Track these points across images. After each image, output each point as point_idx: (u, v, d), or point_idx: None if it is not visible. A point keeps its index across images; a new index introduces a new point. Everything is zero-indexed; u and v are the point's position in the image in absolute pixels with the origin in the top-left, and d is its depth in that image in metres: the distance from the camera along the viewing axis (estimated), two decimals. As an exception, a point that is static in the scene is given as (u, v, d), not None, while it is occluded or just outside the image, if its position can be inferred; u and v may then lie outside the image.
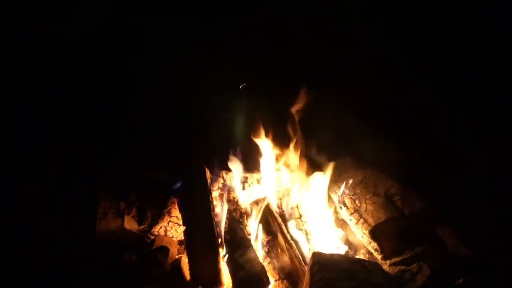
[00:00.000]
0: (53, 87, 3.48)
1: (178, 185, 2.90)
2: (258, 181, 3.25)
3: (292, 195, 3.15)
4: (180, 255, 2.87)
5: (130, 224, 2.97)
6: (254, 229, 2.85)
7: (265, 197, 2.99)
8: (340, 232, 3.09)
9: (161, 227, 2.97)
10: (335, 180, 3.22)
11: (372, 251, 2.86)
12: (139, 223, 3.01)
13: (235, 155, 3.22)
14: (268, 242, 2.76)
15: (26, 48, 3.42)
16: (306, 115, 3.24)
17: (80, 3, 3.44)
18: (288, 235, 2.77)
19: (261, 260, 2.61)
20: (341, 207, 3.10)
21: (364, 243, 2.94)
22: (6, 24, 3.28)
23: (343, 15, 3.61)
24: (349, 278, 2.24)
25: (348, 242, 3.07)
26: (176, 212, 2.99)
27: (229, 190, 3.13)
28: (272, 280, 2.55)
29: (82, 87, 3.57)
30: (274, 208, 2.95)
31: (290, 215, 3.08)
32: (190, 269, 2.60)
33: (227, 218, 2.82)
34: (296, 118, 3.19)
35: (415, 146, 3.14)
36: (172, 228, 2.98)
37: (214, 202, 2.90)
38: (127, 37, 3.65)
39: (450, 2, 3.38)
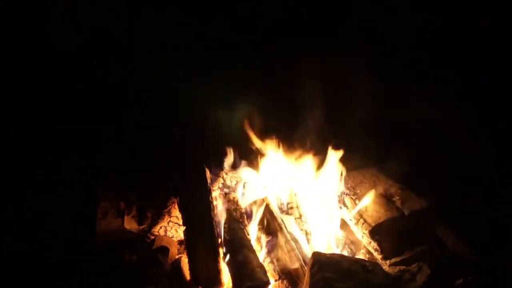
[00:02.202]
0: (53, 86, 3.48)
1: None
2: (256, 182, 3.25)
3: (292, 194, 3.15)
4: (180, 255, 2.87)
5: (130, 224, 2.97)
6: (254, 229, 2.85)
7: (265, 197, 2.99)
8: (340, 232, 3.09)
9: (161, 227, 2.97)
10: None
11: (372, 251, 2.86)
12: (139, 223, 3.01)
13: (236, 155, 3.23)
14: (268, 242, 2.76)
15: (26, 49, 3.42)
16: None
17: (73, 7, 3.44)
18: (288, 235, 2.77)
19: (261, 260, 2.60)
20: (341, 207, 3.10)
21: (364, 243, 2.94)
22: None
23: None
24: (349, 278, 2.24)
25: (348, 242, 3.07)
26: (176, 212, 3.00)
27: (229, 190, 3.13)
28: (272, 280, 2.55)
29: (81, 87, 3.57)
30: (274, 208, 2.95)
31: (290, 215, 3.08)
32: (190, 269, 2.60)
33: (227, 218, 2.81)
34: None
35: (415, 146, 3.13)
36: (172, 228, 2.99)
37: (214, 202, 2.90)
38: (126, 38, 3.65)
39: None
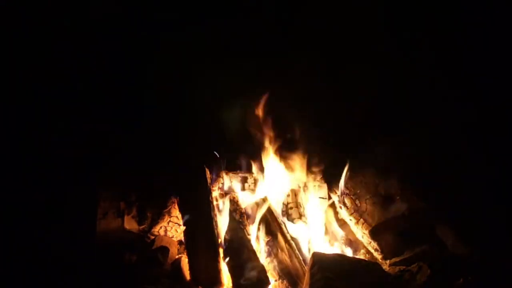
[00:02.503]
0: (54, 85, 3.48)
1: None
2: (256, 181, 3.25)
3: (293, 195, 3.16)
4: (180, 255, 2.87)
5: (130, 224, 2.97)
6: (254, 229, 2.85)
7: (265, 197, 2.99)
8: (340, 232, 3.09)
9: (161, 227, 2.97)
10: (335, 180, 3.23)
11: (372, 251, 2.86)
12: (139, 223, 3.01)
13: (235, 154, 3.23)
14: (268, 242, 2.76)
15: (28, 48, 3.42)
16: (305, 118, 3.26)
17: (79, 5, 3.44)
18: (288, 235, 2.77)
19: (261, 260, 2.60)
20: (341, 207, 3.10)
21: (364, 243, 2.94)
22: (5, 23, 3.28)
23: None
24: (349, 278, 2.24)
25: (348, 242, 3.07)
26: (176, 212, 3.00)
27: (229, 190, 3.13)
28: (272, 280, 2.55)
29: (82, 88, 3.57)
30: (274, 208, 2.95)
31: (290, 215, 3.08)
32: (190, 269, 2.60)
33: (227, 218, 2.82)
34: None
35: (416, 146, 3.13)
36: (172, 228, 2.99)
37: (214, 202, 2.90)
38: (127, 39, 3.65)
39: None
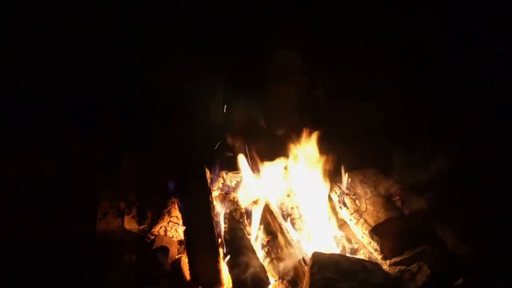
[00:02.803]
0: (55, 84, 3.49)
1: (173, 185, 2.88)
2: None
3: (292, 195, 3.16)
4: (180, 255, 2.87)
5: (130, 224, 2.97)
6: (254, 229, 2.85)
7: (265, 197, 2.99)
8: (340, 232, 3.09)
9: (161, 227, 2.97)
10: (335, 180, 3.23)
11: (372, 251, 2.86)
12: (139, 223, 3.01)
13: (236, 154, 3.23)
14: (268, 242, 2.76)
15: (27, 47, 3.42)
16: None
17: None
18: (288, 235, 2.76)
19: (261, 260, 2.60)
20: (341, 207, 3.10)
21: (364, 243, 2.94)
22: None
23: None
24: (349, 278, 2.24)
25: (348, 242, 3.06)
26: (176, 212, 3.00)
27: (229, 190, 3.13)
28: (272, 280, 2.55)
29: (80, 87, 3.57)
30: (274, 208, 2.95)
31: (290, 215, 3.08)
32: (190, 269, 2.60)
33: (227, 218, 2.81)
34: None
35: (415, 146, 3.13)
36: (172, 228, 2.99)
37: (214, 202, 2.90)
38: (126, 35, 3.65)
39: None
